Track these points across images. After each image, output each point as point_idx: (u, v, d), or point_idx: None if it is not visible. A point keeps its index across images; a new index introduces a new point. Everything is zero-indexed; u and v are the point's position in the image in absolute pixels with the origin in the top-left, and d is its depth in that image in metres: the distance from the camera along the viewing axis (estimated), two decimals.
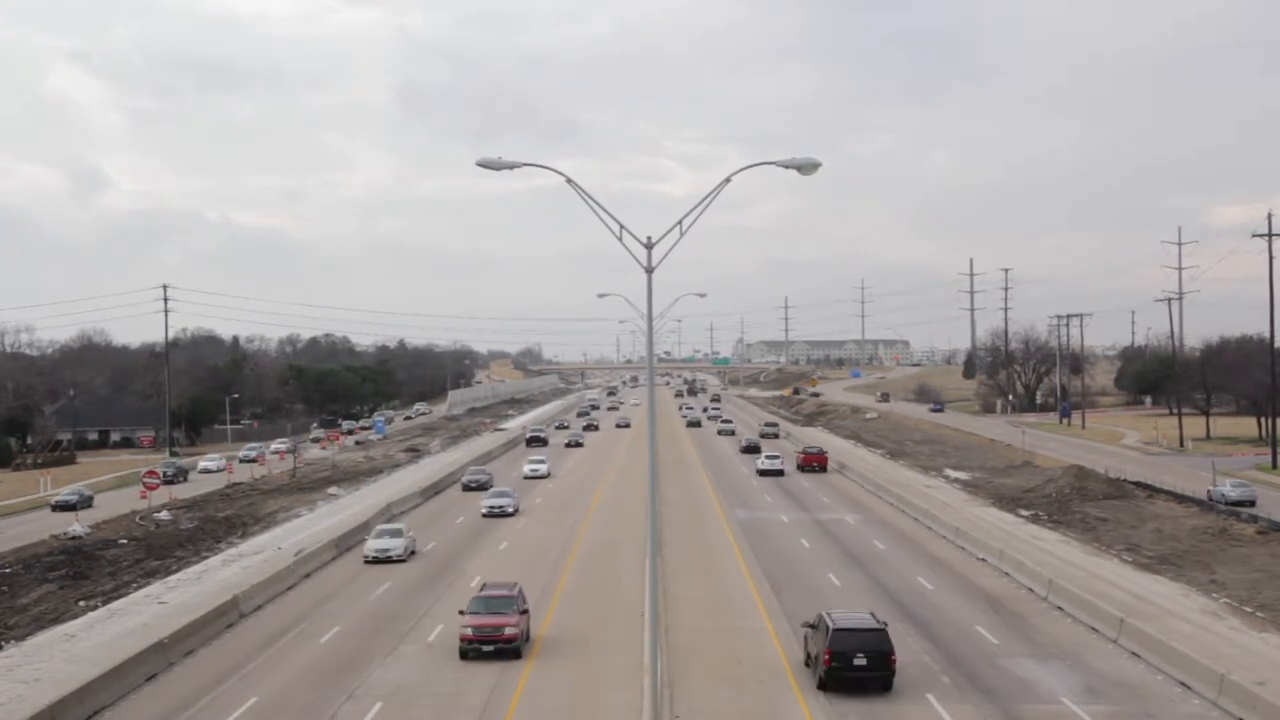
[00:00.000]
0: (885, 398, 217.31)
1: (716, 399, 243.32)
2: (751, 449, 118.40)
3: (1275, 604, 45.29)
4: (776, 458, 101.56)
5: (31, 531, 71.04)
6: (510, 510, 73.27)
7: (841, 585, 51.08)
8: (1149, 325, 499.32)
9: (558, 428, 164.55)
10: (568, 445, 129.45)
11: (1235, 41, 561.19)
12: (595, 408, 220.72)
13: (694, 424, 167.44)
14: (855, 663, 34.88)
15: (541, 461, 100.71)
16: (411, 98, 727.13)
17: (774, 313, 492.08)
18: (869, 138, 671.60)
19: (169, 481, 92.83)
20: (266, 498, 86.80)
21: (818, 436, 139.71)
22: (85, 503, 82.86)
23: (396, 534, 59.53)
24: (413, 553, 59.30)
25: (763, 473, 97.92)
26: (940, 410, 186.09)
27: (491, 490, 79.99)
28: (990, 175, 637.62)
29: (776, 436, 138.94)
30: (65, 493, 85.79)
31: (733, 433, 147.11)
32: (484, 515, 72.79)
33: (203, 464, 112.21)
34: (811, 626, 37.61)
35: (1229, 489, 73.70)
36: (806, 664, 37.69)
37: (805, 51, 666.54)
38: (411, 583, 52.86)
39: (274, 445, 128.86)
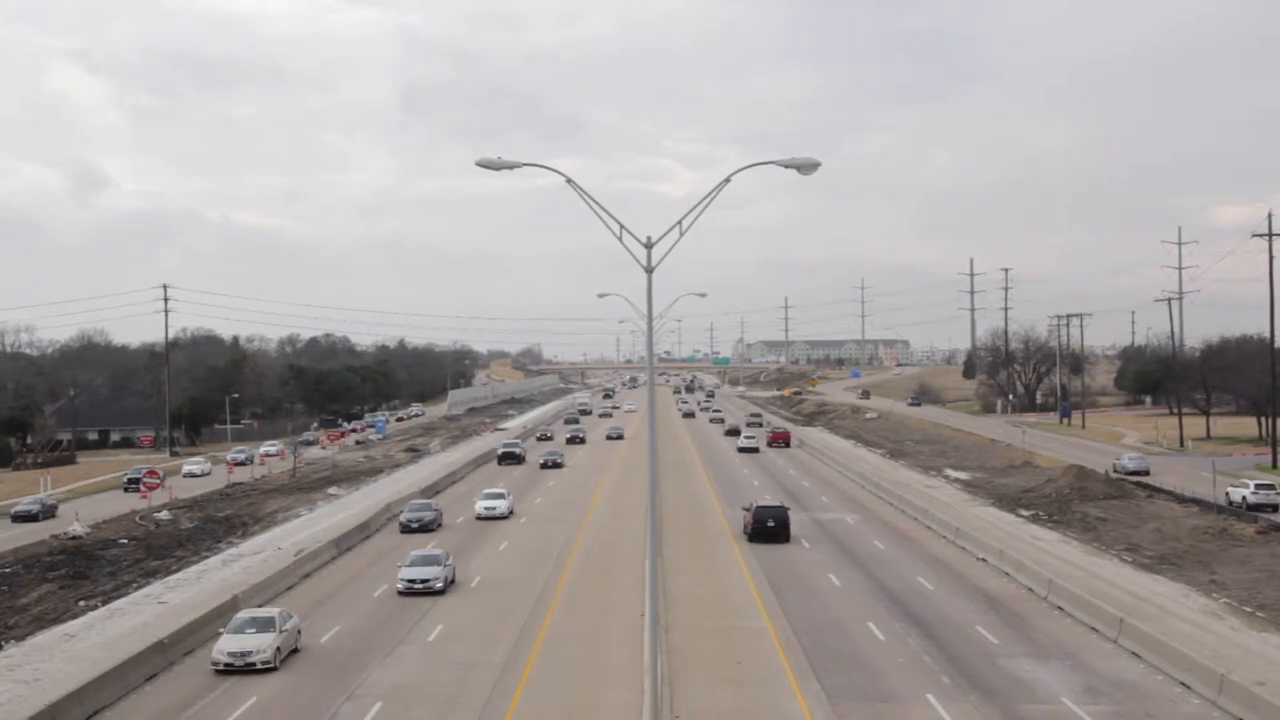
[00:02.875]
0: (866, 394, 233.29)
1: (711, 394, 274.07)
2: (733, 432, 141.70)
3: (1275, 604, 45.28)
4: (753, 438, 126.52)
5: (30, 532, 71.06)
6: (437, 586, 49.53)
7: (841, 585, 51.05)
8: (1149, 325, 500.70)
9: (539, 438, 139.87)
10: (544, 465, 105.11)
11: (1234, 42, 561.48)
12: (586, 412, 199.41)
13: (689, 414, 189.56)
14: (768, 525, 62.57)
15: (500, 496, 74.51)
16: (412, 97, 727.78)
17: (774, 313, 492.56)
18: (868, 138, 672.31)
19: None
20: (266, 498, 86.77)
21: (818, 436, 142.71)
22: (48, 513, 78.62)
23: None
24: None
25: (741, 449, 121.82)
26: (918, 404, 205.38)
27: (413, 557, 52.03)
28: (990, 175, 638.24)
29: (760, 425, 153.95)
30: (26, 502, 79.91)
31: (722, 420, 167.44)
32: (401, 592, 49.53)
33: (187, 469, 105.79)
34: (746, 509, 66.48)
35: (1127, 461, 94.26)
36: (744, 532, 63.67)
37: (805, 51, 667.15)
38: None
39: (232, 454, 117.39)
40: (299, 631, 40.95)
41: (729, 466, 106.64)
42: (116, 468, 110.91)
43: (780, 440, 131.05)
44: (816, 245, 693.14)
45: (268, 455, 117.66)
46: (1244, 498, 72.00)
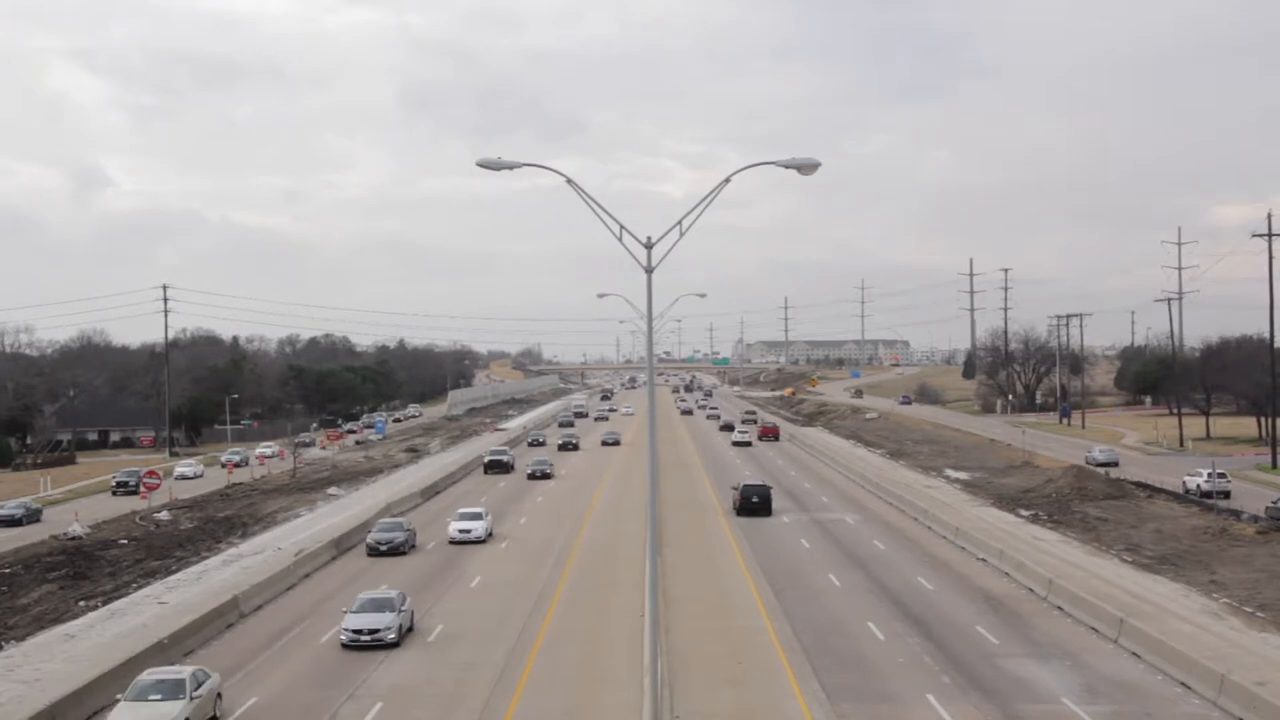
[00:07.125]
0: (859, 393, 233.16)
1: (709, 394, 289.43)
2: (727, 428, 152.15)
3: (1275, 604, 45.27)
4: (745, 433, 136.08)
5: (32, 532, 71.06)
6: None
7: (842, 585, 51.06)
8: (1149, 325, 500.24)
9: (530, 444, 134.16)
10: (532, 476, 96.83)
11: (1235, 41, 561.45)
12: (583, 415, 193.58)
13: (687, 412, 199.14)
14: (753, 500, 72.39)
15: (477, 517, 65.00)
16: (411, 97, 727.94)
17: (774, 313, 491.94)
18: (868, 138, 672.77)
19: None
20: (266, 498, 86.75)
21: (818, 437, 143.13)
22: (32, 516, 76.69)
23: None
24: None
25: (735, 444, 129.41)
26: (908, 403, 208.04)
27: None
28: (990, 175, 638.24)
29: (754, 422, 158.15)
30: (10, 506, 77.44)
31: (718, 417, 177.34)
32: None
33: (179, 471, 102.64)
34: (734, 487, 76.02)
35: (1098, 453, 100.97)
36: (734, 508, 73.43)
37: (805, 51, 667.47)
38: (411, 583, 52.84)
39: (227, 454, 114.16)
40: (219, 695, 33.82)
41: (724, 457, 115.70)
42: (117, 468, 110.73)
43: (770, 434, 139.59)
44: (816, 245, 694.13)
45: (265, 456, 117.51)
46: (1198, 486, 78.49)
